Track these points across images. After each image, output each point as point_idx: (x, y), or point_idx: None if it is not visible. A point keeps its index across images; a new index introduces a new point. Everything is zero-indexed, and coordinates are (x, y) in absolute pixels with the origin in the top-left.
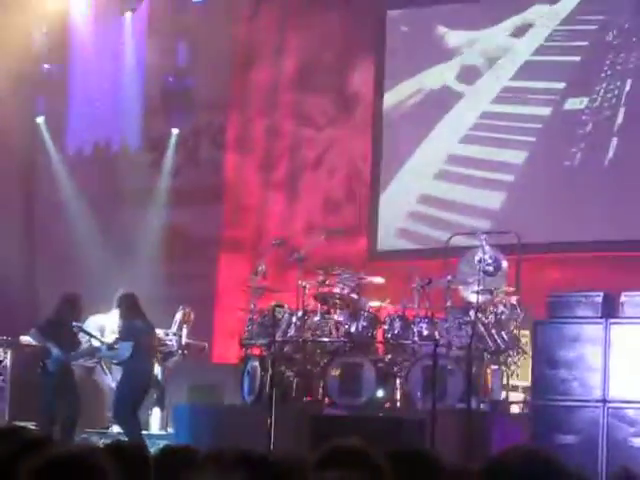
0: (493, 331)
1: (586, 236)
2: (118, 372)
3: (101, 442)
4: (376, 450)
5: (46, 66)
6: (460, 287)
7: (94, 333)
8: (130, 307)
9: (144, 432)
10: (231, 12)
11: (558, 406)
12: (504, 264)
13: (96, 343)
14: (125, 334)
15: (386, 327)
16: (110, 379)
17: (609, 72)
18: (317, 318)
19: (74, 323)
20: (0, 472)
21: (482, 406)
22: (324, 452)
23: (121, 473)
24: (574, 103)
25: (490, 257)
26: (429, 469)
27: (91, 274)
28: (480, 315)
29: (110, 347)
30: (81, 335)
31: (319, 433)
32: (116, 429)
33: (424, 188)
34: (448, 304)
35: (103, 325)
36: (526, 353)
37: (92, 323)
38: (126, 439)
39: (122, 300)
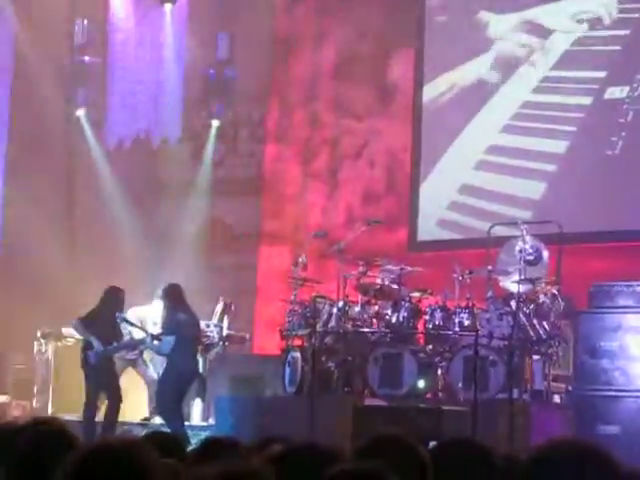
0: (534, 321)
1: (627, 225)
2: (158, 364)
3: (142, 434)
4: (417, 441)
5: (86, 58)
6: (501, 277)
7: (133, 318)
8: (174, 299)
9: (186, 423)
10: (271, 3)
11: (600, 396)
12: (545, 254)
13: (139, 334)
14: (168, 326)
15: (427, 317)
16: (152, 371)
17: None
18: (358, 309)
19: (118, 314)
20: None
21: (524, 396)
22: (365, 442)
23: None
24: (615, 92)
25: (531, 247)
26: (478, 458)
27: (133, 266)
28: (521, 305)
29: (154, 338)
30: (123, 327)
31: (360, 424)
32: (158, 420)
33: (464, 178)
34: (489, 294)
35: (144, 317)
36: (567, 343)
37: (132, 315)
38: (168, 431)
39: (166, 291)
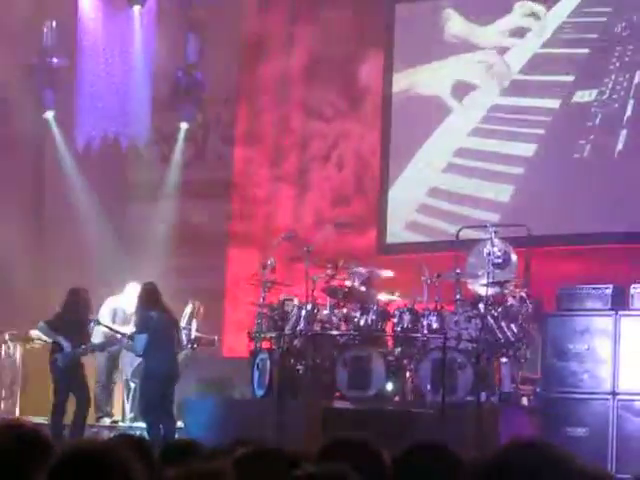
0: (502, 324)
1: (595, 228)
2: (127, 366)
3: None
4: (385, 444)
5: (55, 60)
6: (469, 280)
7: (107, 321)
8: (147, 298)
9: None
10: (240, 5)
11: (568, 398)
12: (513, 257)
13: (116, 335)
14: (140, 326)
15: (395, 320)
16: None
17: (618, 64)
18: (326, 311)
19: (93, 318)
20: (5, 469)
21: (492, 399)
22: (328, 445)
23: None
24: (583, 95)
25: (499, 250)
26: (444, 461)
27: (101, 268)
28: (489, 308)
29: (129, 339)
30: (95, 329)
31: (328, 426)
32: (126, 423)
33: (433, 181)
34: (457, 297)
35: (115, 307)
36: (536, 346)
37: (106, 306)
38: (136, 434)
39: (140, 290)
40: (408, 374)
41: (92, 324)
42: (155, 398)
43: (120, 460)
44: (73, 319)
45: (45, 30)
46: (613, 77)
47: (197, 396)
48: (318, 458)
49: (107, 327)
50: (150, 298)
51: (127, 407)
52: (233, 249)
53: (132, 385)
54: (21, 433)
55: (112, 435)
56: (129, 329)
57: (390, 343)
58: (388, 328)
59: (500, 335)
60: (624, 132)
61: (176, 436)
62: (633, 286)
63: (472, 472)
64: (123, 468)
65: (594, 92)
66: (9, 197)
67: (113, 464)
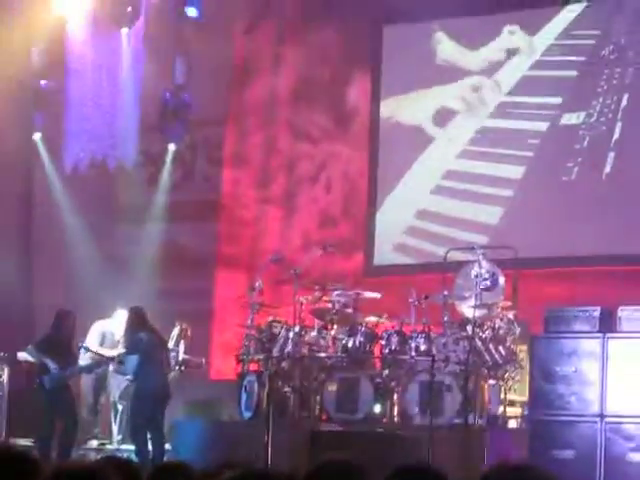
0: (490, 346)
1: (583, 251)
2: (115, 389)
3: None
4: (373, 467)
5: (43, 82)
6: (457, 302)
7: (95, 345)
8: (136, 320)
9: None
10: (228, 28)
11: (555, 421)
12: (501, 279)
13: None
14: (130, 348)
15: (383, 342)
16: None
17: (605, 87)
18: (314, 333)
19: (80, 344)
20: None
21: (479, 421)
22: (314, 467)
23: None
24: (571, 118)
25: (487, 272)
26: None
27: (88, 290)
28: (477, 330)
29: (120, 362)
30: (83, 351)
31: (316, 449)
32: (114, 445)
33: (421, 203)
34: (445, 319)
35: (104, 331)
36: (523, 368)
37: (95, 329)
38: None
39: (128, 314)
40: (396, 396)
41: (81, 350)
42: (145, 419)
43: None
44: (60, 341)
45: (34, 52)
46: (601, 100)
47: (185, 418)
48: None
49: (95, 353)
50: (139, 320)
51: (114, 429)
52: (221, 271)
53: (119, 407)
54: (10, 455)
55: (99, 457)
56: (117, 352)
57: (378, 365)
58: (376, 350)
59: (488, 357)
60: (612, 154)
61: (165, 458)
62: (621, 308)
63: None
64: None
65: (582, 114)
66: None
67: None
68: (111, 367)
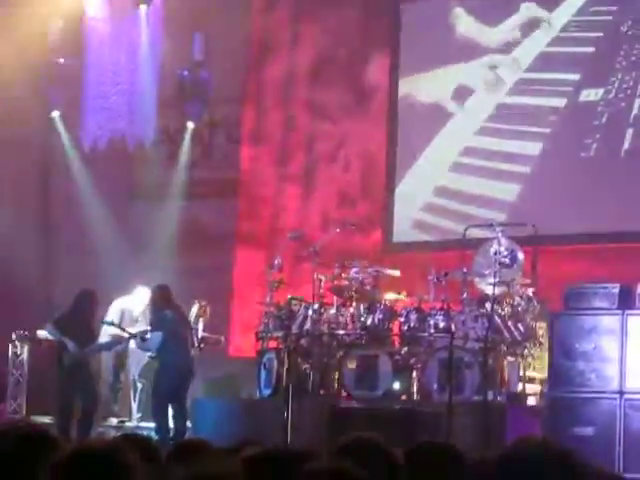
0: (509, 323)
1: (602, 228)
2: (135, 367)
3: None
4: (392, 444)
5: (61, 60)
6: (476, 279)
7: (116, 320)
8: (161, 299)
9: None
10: (246, 5)
11: (575, 398)
12: (520, 256)
13: (124, 335)
14: (155, 325)
15: (402, 320)
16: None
17: (624, 63)
18: (333, 311)
19: (105, 319)
20: (11, 470)
21: (499, 398)
22: (340, 445)
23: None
24: (589, 94)
25: (506, 249)
26: (449, 461)
27: (108, 269)
28: (496, 307)
29: (143, 338)
30: (102, 329)
31: (336, 425)
32: (133, 423)
33: (439, 180)
34: (464, 296)
35: (123, 308)
36: (542, 345)
37: (116, 307)
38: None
39: (154, 293)
40: (415, 373)
41: (103, 325)
42: (168, 396)
43: (124, 460)
44: (81, 321)
45: (52, 29)
46: (619, 76)
47: (204, 396)
48: (329, 458)
49: (118, 326)
50: (164, 298)
51: (134, 407)
52: (240, 249)
53: (139, 385)
54: (28, 433)
55: (118, 435)
56: (137, 329)
57: (397, 342)
58: (395, 327)
59: (507, 334)
60: (630, 131)
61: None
62: None
63: (478, 471)
64: (127, 468)
65: (600, 91)
66: (15, 196)
67: (117, 464)
68: (132, 344)
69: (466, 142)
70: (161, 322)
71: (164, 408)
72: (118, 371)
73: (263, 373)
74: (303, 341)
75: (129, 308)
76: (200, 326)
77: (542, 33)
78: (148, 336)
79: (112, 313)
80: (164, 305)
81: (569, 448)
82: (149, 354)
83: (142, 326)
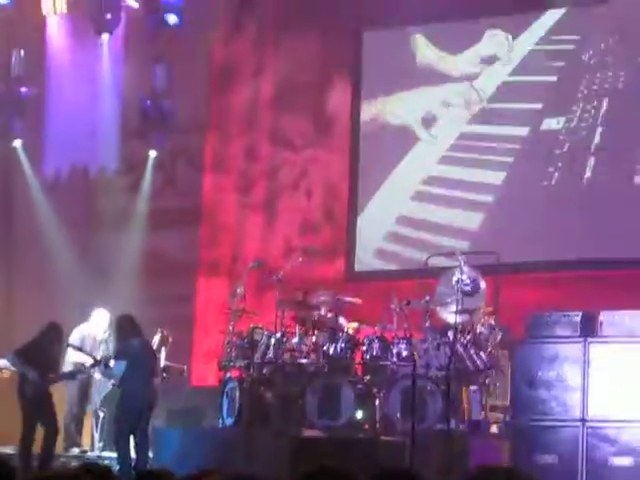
0: (472, 351)
1: (564, 255)
2: (96, 396)
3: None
4: (356, 471)
5: (23, 89)
6: (438, 308)
7: (76, 346)
8: (127, 327)
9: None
10: (208, 34)
11: (537, 426)
12: (482, 284)
13: (88, 361)
14: (120, 353)
15: (365, 348)
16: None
17: (585, 92)
18: (295, 340)
19: (69, 342)
20: None
21: (461, 426)
22: (304, 473)
23: None
24: (551, 123)
25: (468, 277)
26: None
27: (70, 298)
28: (459, 335)
29: (106, 365)
30: (65, 358)
31: (299, 455)
32: (95, 452)
33: (402, 209)
34: (427, 325)
35: (85, 335)
36: (505, 373)
37: (76, 335)
38: (103, 463)
39: (118, 321)
40: (378, 402)
41: (68, 349)
42: (130, 425)
43: None
44: (46, 352)
45: (13, 58)
46: (581, 105)
47: (166, 425)
48: None
49: (82, 351)
50: (129, 326)
51: (96, 436)
52: (202, 277)
53: (101, 414)
54: None
55: (78, 465)
56: (100, 355)
57: (360, 371)
58: (357, 356)
59: (469, 363)
60: (592, 159)
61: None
62: (602, 313)
63: None
64: None
65: (562, 120)
66: None
67: None
68: (96, 374)
69: (429, 171)
70: (126, 351)
71: (126, 437)
72: (82, 400)
73: (226, 402)
74: (266, 370)
75: (90, 334)
76: (162, 355)
77: (504, 62)
78: (112, 363)
79: (73, 340)
80: (129, 334)
81: (533, 476)
82: (112, 382)
83: (104, 352)
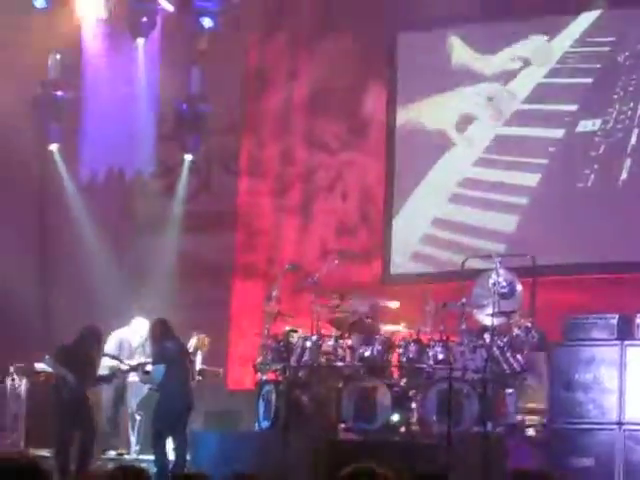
0: (508, 354)
1: (601, 258)
2: (133, 400)
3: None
4: (394, 475)
5: (59, 93)
6: (474, 310)
7: (114, 352)
8: (161, 331)
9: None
10: (243, 37)
11: (574, 429)
12: (518, 287)
13: (125, 368)
14: (156, 357)
15: (401, 351)
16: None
17: (621, 93)
18: (331, 342)
19: (106, 352)
20: None
21: (498, 429)
22: (342, 476)
23: None
24: (587, 125)
25: (504, 280)
26: None
27: (105, 301)
28: (495, 338)
29: (145, 371)
30: (102, 363)
31: (334, 458)
32: (132, 455)
33: (438, 211)
34: (463, 327)
35: (122, 339)
36: (541, 376)
37: (113, 339)
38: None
39: (153, 325)
40: (414, 405)
41: (107, 356)
42: (168, 428)
43: None
44: (84, 355)
45: (50, 62)
46: (617, 106)
47: (203, 429)
48: None
49: (118, 359)
50: (165, 330)
51: (132, 439)
52: (238, 281)
53: (137, 417)
54: (20, 465)
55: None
56: (137, 361)
57: (396, 374)
58: (394, 359)
59: (506, 366)
60: (628, 161)
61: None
62: (639, 315)
63: None
64: None
65: (598, 121)
66: (12, 229)
67: None
68: (132, 377)
69: (464, 173)
70: (162, 354)
71: (163, 440)
72: (117, 404)
73: (262, 405)
74: (301, 373)
75: (127, 339)
76: (199, 358)
77: (539, 64)
78: (149, 368)
79: (110, 345)
80: (164, 337)
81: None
82: (149, 387)
83: (140, 358)
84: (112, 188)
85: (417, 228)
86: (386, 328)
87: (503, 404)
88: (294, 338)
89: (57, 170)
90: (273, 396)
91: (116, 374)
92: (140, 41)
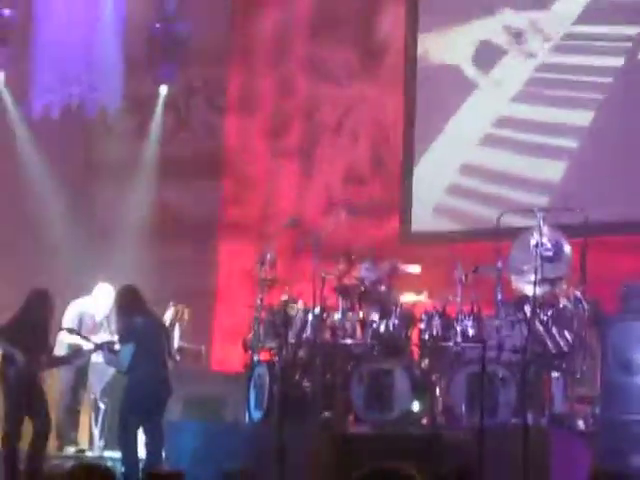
0: (554, 330)
1: None
2: (96, 384)
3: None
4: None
5: (6, 12)
6: (513, 277)
7: (73, 327)
8: (129, 302)
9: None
10: None
11: (632, 420)
12: (566, 248)
13: (88, 346)
14: (124, 335)
15: (422, 326)
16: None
17: None
18: (338, 316)
19: (65, 326)
20: None
21: (540, 421)
22: (359, 477)
23: None
24: None
25: (549, 240)
26: None
27: (62, 264)
28: (538, 311)
29: (111, 350)
30: (58, 339)
31: (343, 456)
32: (95, 452)
33: (468, 156)
34: (498, 297)
35: (83, 312)
36: (594, 356)
37: (71, 311)
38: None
39: (119, 294)
40: (438, 391)
41: (60, 333)
42: (138, 420)
43: None
44: (33, 328)
45: None
46: None
47: (181, 418)
48: None
49: (80, 336)
50: (133, 301)
51: (96, 432)
52: (224, 240)
53: (102, 406)
54: None
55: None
56: (100, 339)
57: (416, 354)
58: (414, 336)
59: (550, 344)
60: None
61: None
62: None
63: None
64: None
65: None
66: None
67: None
68: (96, 357)
69: (500, 110)
70: (131, 331)
71: (133, 433)
72: (78, 390)
73: (253, 391)
74: (302, 352)
75: (89, 312)
76: (176, 334)
77: None
78: (117, 347)
79: (69, 318)
80: (133, 310)
81: None
82: (119, 370)
83: (105, 334)
84: (70, 125)
85: (443, 177)
86: (405, 298)
87: (547, 391)
88: (293, 310)
89: (4, 103)
90: (267, 380)
91: (77, 353)
92: None
